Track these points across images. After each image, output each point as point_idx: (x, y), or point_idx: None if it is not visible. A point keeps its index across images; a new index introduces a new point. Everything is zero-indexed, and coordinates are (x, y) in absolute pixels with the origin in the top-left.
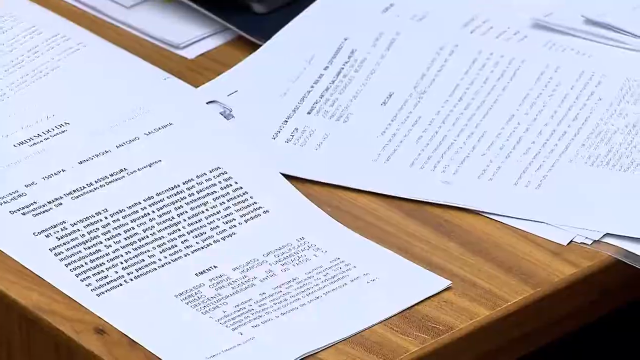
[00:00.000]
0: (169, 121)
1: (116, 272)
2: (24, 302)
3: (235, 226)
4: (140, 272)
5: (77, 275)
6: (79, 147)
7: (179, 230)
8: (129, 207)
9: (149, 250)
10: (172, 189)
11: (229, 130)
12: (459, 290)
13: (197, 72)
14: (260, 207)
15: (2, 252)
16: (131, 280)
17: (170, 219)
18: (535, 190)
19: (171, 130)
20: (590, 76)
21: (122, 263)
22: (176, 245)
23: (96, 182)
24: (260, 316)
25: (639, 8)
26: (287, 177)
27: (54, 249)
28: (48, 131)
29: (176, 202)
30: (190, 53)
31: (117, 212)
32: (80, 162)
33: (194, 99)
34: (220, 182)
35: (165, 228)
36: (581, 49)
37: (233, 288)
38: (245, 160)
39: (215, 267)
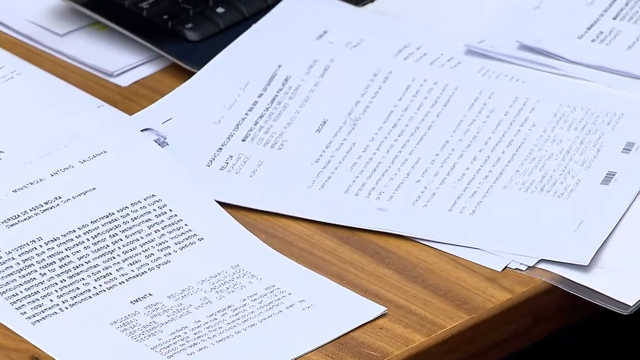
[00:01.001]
0: (103, 149)
1: (51, 301)
2: None
3: (170, 254)
4: (75, 300)
5: (12, 304)
6: (13, 176)
7: (114, 258)
8: (64, 236)
9: (84, 279)
10: (107, 216)
11: (164, 157)
12: (394, 316)
13: (131, 99)
14: (195, 235)
15: None
16: (66, 308)
17: (105, 247)
18: (470, 216)
19: (105, 158)
20: (524, 102)
21: (57, 291)
22: (111, 273)
23: (31, 210)
24: (196, 344)
25: (574, 34)
26: (222, 204)
27: None
28: None
29: (111, 230)
30: (124, 81)
31: (51, 240)
32: (15, 191)
33: (128, 126)
34: (155, 209)
35: (100, 256)
36: (515, 75)
37: (168, 316)
38: (180, 188)
39: (150, 294)
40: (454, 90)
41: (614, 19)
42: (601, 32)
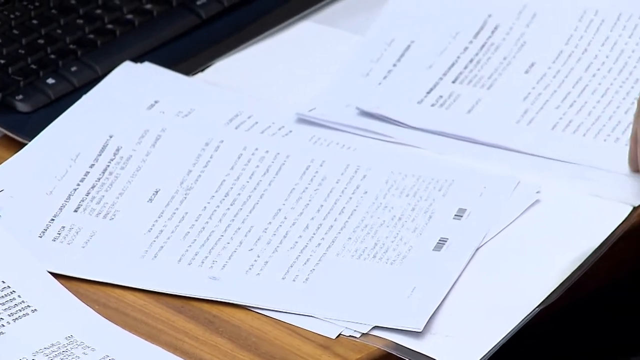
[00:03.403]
0: None
1: None
2: None
3: (3, 325)
4: None
5: None
6: None
7: None
8: None
9: None
10: None
11: None
12: None
13: None
14: (28, 306)
15: None
16: None
17: None
18: (303, 284)
19: None
20: (355, 170)
21: None
22: None
23: None
24: None
25: (413, 99)
26: (55, 275)
27: None
28: None
29: None
30: None
31: None
32: None
33: None
34: None
35: None
36: (346, 143)
37: None
38: (13, 259)
39: None
40: (285, 158)
41: (454, 82)
42: (441, 96)
